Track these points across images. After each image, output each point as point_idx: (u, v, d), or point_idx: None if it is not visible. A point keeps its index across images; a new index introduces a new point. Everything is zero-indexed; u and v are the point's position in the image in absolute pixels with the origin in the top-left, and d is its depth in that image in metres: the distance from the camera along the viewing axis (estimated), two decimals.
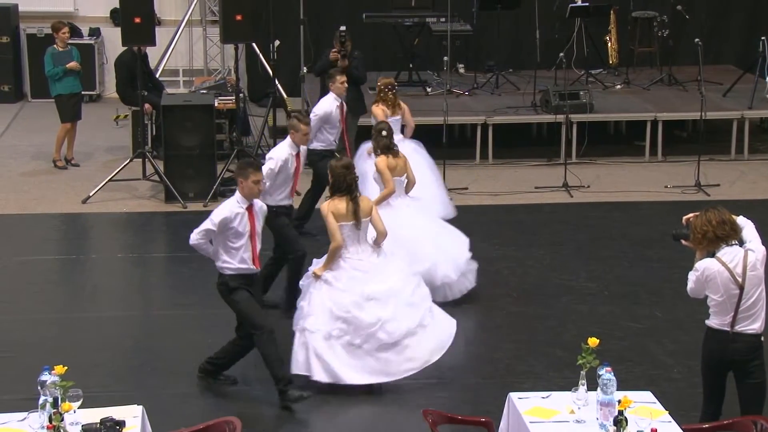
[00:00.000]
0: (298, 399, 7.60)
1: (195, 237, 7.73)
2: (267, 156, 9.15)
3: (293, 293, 8.61)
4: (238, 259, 7.65)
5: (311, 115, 10.31)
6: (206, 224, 7.67)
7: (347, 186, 7.89)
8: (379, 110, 10.57)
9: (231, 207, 7.67)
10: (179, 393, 7.89)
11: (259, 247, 7.73)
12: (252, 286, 7.78)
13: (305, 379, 7.75)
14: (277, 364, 7.64)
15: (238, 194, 7.72)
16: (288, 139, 9.10)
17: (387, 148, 9.26)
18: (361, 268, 7.86)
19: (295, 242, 9.11)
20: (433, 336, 7.93)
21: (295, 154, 9.04)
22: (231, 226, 7.61)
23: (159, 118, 12.54)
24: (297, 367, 7.79)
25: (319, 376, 7.75)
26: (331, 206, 7.86)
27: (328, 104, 10.62)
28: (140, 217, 11.72)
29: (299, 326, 7.84)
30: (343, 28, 11.94)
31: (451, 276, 9.20)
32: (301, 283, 8.13)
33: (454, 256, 9.29)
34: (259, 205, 7.83)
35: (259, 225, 7.77)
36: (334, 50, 11.79)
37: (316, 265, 7.97)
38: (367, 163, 10.03)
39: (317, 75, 12.21)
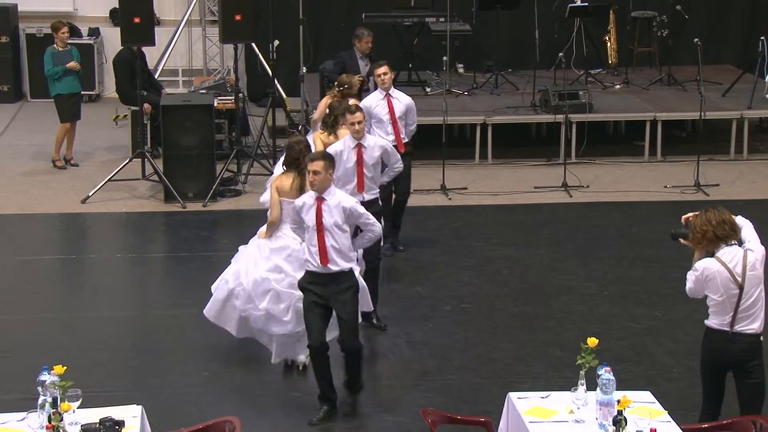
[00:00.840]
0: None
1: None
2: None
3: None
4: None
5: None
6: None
7: (295, 160, 7.83)
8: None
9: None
10: (179, 393, 7.89)
11: (329, 242, 7.23)
12: (320, 286, 7.30)
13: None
14: (324, 383, 7.45)
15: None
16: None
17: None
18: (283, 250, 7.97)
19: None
20: None
21: (354, 147, 8.64)
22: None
23: (158, 117, 12.54)
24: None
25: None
26: (277, 180, 7.99)
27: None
28: (140, 217, 11.72)
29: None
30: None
31: None
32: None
33: None
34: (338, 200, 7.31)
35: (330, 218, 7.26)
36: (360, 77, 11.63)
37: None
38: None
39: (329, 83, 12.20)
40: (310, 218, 7.26)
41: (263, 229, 8.13)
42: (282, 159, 8.38)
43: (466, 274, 10.04)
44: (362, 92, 11.02)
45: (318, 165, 7.18)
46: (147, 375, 8.18)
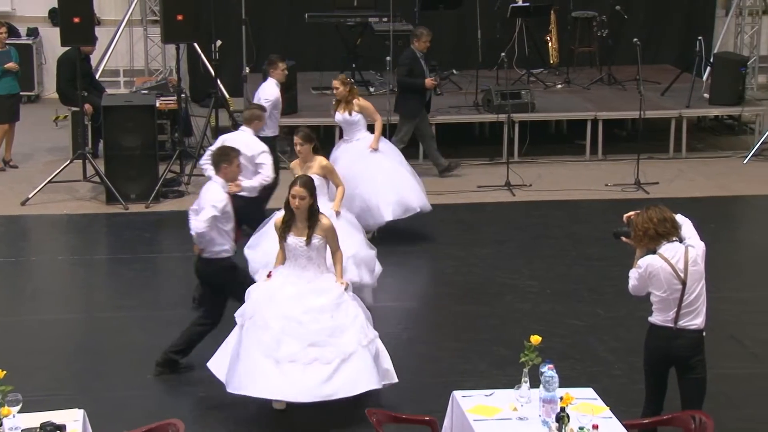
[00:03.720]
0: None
1: (202, 225, 7.81)
2: (255, 150, 9.30)
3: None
4: (228, 241, 7.93)
5: (264, 102, 10.53)
6: (210, 211, 7.81)
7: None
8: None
9: (221, 191, 7.92)
10: (122, 396, 7.83)
11: None
12: None
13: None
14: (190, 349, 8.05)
15: (219, 179, 7.97)
16: (250, 130, 9.50)
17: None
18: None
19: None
20: None
21: None
22: (225, 210, 7.88)
23: (99, 118, 12.43)
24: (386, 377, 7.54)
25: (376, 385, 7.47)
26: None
27: (275, 89, 10.69)
28: (81, 219, 11.60)
29: (367, 338, 7.37)
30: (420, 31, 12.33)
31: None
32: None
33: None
34: None
35: None
36: (433, 79, 12.35)
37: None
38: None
39: (402, 90, 12.45)
40: (231, 209, 7.92)
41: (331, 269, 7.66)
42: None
43: (411, 274, 10.07)
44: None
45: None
46: (89, 378, 8.10)
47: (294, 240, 7.42)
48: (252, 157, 9.25)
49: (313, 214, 7.43)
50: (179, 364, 8.10)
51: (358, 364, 7.28)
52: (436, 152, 12.78)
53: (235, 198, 8.30)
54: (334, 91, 10.64)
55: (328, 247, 7.53)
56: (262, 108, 9.96)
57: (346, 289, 7.49)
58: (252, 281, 8.05)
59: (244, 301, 7.65)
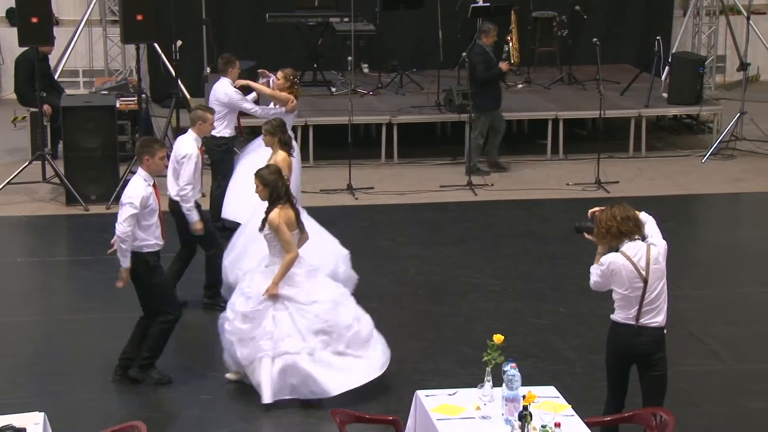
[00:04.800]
0: (159, 381, 7.86)
1: (124, 227, 7.64)
2: (179, 153, 8.92)
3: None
4: (153, 235, 7.74)
5: (214, 103, 10.38)
6: (127, 210, 7.64)
7: (286, 191, 7.72)
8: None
9: (141, 185, 7.71)
10: (82, 398, 7.77)
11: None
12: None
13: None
14: (159, 352, 7.88)
15: (142, 172, 7.75)
16: (192, 133, 9.06)
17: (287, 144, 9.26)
18: (311, 273, 7.75)
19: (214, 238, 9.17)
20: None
21: (200, 147, 9.08)
22: (147, 204, 7.69)
23: (58, 119, 12.32)
24: (281, 393, 7.57)
25: (308, 396, 7.60)
26: (283, 216, 7.56)
27: (231, 89, 10.55)
28: (41, 221, 11.50)
29: (276, 351, 7.52)
30: (487, 28, 12.66)
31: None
32: (243, 305, 7.74)
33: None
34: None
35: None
36: (505, 63, 12.64)
37: (262, 282, 7.64)
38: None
39: (481, 83, 12.62)
40: (154, 203, 7.77)
41: (265, 277, 7.67)
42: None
43: (374, 274, 10.07)
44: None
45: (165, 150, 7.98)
46: (49, 381, 8.03)
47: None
48: (176, 157, 8.94)
49: (271, 204, 7.61)
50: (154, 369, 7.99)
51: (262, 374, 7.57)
52: (497, 148, 13.00)
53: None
54: (275, 81, 10.47)
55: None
56: (207, 109, 9.41)
57: (268, 298, 7.53)
58: (170, 288, 8.02)
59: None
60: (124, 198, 7.71)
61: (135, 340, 7.96)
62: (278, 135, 9.10)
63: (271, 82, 10.62)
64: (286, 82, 10.40)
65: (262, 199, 7.68)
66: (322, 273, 8.05)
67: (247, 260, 8.76)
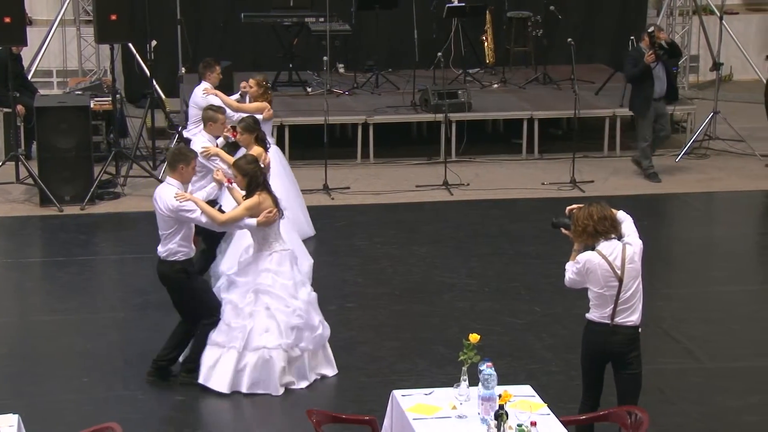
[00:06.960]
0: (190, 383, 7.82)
1: (197, 212, 7.59)
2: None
3: None
4: (189, 243, 7.76)
5: (193, 106, 10.42)
6: (192, 214, 7.57)
7: (264, 180, 7.88)
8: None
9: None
10: (58, 400, 7.73)
11: None
12: None
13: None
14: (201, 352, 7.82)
15: (174, 180, 7.63)
16: (205, 134, 9.21)
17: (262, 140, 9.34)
18: (294, 267, 7.91)
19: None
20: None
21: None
22: None
23: (31, 120, 12.25)
24: (238, 386, 7.67)
25: (259, 391, 7.71)
26: (261, 201, 7.69)
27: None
28: (14, 222, 11.43)
29: (251, 345, 7.65)
30: (651, 29, 12.42)
31: None
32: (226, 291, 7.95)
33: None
34: None
35: None
36: (650, 54, 12.23)
37: (248, 270, 7.85)
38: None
39: (630, 81, 12.60)
40: None
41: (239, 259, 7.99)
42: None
43: (350, 274, 10.08)
44: None
45: None
46: (24, 382, 7.99)
47: None
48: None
49: (249, 192, 7.77)
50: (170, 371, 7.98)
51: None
52: (650, 148, 12.75)
53: None
54: (247, 89, 10.46)
55: (267, 231, 7.75)
56: (217, 109, 9.40)
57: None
58: (209, 290, 8.02)
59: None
60: (172, 209, 7.54)
61: (173, 343, 7.91)
62: (255, 132, 9.21)
63: (247, 98, 10.58)
64: (259, 88, 10.40)
65: (241, 188, 7.85)
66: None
67: (225, 261, 8.83)
